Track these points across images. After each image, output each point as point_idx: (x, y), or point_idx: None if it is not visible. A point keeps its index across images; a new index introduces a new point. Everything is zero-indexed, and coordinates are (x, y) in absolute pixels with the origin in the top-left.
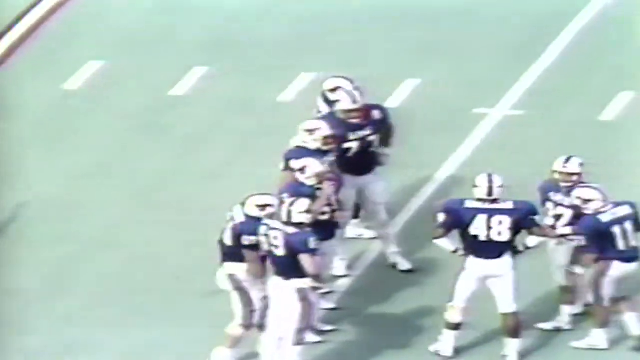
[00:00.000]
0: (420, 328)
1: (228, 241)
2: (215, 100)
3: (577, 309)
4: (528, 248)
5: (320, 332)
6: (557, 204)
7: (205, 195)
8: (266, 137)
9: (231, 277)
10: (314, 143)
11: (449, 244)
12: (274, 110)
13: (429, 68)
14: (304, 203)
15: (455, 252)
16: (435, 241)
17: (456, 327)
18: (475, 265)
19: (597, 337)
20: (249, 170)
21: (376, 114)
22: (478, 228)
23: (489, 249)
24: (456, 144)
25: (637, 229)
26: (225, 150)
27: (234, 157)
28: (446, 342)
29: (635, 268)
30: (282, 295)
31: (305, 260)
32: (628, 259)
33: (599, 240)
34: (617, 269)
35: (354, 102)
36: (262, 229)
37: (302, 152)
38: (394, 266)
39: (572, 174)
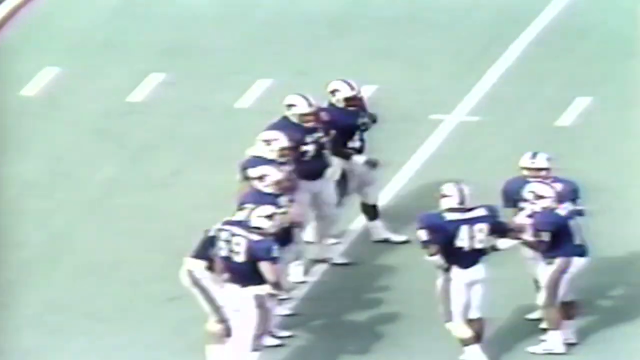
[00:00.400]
0: (379, 333)
1: (212, 232)
2: (172, 106)
3: (536, 314)
4: (496, 250)
5: (277, 338)
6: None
7: (160, 202)
8: (223, 143)
9: (190, 272)
10: (270, 154)
11: (441, 260)
12: (231, 117)
13: (385, 74)
14: (266, 209)
15: (441, 266)
16: (430, 258)
17: (473, 340)
18: (461, 276)
19: (553, 340)
20: (206, 177)
21: (324, 116)
22: (463, 239)
23: (471, 258)
24: (412, 150)
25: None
26: (182, 156)
27: (190, 164)
28: (475, 358)
29: (588, 263)
30: (239, 302)
31: (265, 267)
32: (583, 253)
33: (558, 236)
34: (576, 264)
35: (309, 105)
36: (224, 235)
37: (258, 161)
38: (324, 260)
39: (541, 169)
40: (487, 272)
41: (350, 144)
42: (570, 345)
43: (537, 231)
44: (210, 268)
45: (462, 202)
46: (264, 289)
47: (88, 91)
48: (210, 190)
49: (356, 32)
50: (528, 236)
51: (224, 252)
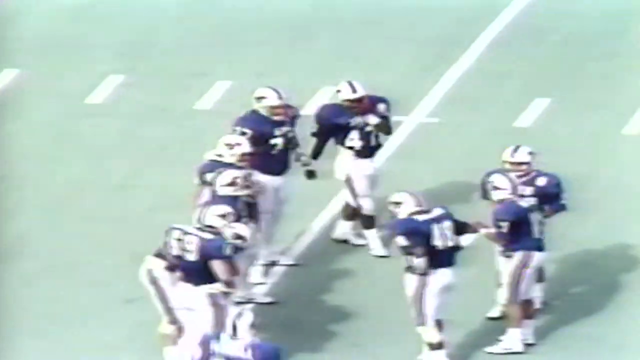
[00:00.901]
0: (337, 334)
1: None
2: (131, 108)
3: (494, 312)
4: (460, 248)
5: None
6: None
7: (119, 204)
8: (182, 145)
9: (149, 271)
10: (230, 157)
11: (424, 263)
12: (191, 118)
13: (344, 76)
14: (220, 208)
15: (422, 270)
16: (417, 260)
17: (440, 345)
18: (439, 278)
19: (512, 339)
20: (165, 178)
21: (290, 112)
22: (437, 238)
23: (447, 257)
24: None
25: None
26: (142, 158)
27: (150, 166)
28: None
29: (546, 257)
30: (193, 301)
31: (218, 266)
32: (541, 248)
33: (518, 228)
34: (537, 258)
35: (279, 98)
36: (176, 234)
37: (216, 165)
38: (274, 263)
39: (522, 163)
40: (455, 275)
41: (348, 144)
42: (528, 345)
43: (496, 221)
44: (170, 268)
45: (419, 205)
46: (216, 287)
47: (47, 93)
48: (170, 192)
49: (316, 34)
50: (488, 228)
51: (175, 251)
